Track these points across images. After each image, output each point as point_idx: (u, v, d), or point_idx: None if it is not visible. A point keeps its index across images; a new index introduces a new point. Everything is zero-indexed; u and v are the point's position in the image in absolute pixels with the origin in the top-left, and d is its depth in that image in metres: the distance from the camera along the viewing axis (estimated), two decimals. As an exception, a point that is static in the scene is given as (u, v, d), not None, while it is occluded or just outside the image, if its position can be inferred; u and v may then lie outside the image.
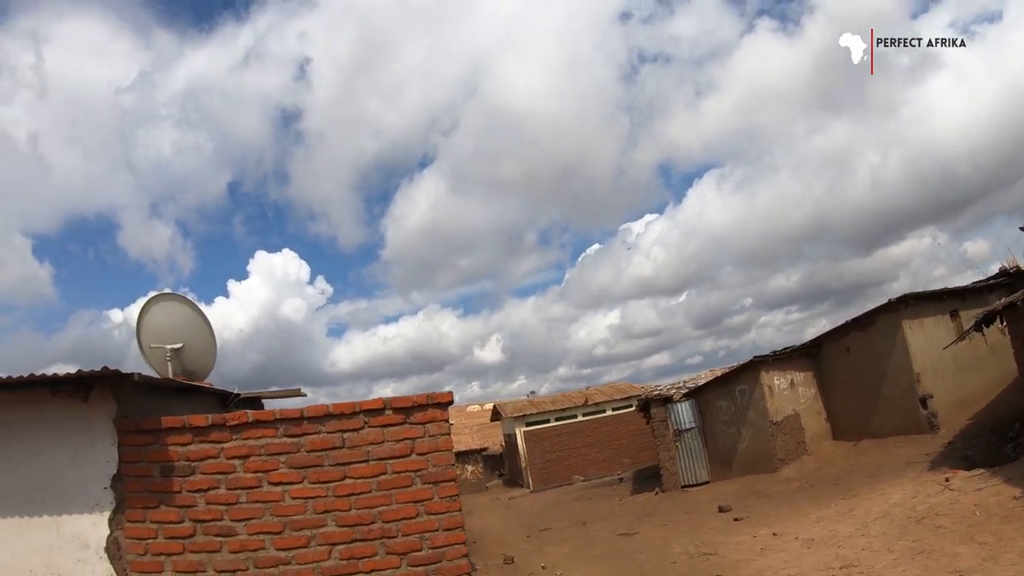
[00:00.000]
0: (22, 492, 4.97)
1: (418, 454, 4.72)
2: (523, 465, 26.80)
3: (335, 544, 4.61)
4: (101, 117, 75.47)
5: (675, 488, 15.75)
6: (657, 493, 15.80)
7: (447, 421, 4.80)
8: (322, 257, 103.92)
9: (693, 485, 15.64)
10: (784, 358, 14.65)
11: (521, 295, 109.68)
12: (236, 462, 4.68)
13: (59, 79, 71.87)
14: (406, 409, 4.74)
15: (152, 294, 5.64)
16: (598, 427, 26.80)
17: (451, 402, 4.81)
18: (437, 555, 4.66)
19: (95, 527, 4.80)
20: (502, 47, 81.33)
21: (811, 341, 15.07)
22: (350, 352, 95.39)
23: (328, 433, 4.69)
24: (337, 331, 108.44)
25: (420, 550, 4.65)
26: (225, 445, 4.69)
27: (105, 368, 4.50)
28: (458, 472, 4.80)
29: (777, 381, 14.29)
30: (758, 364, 14.29)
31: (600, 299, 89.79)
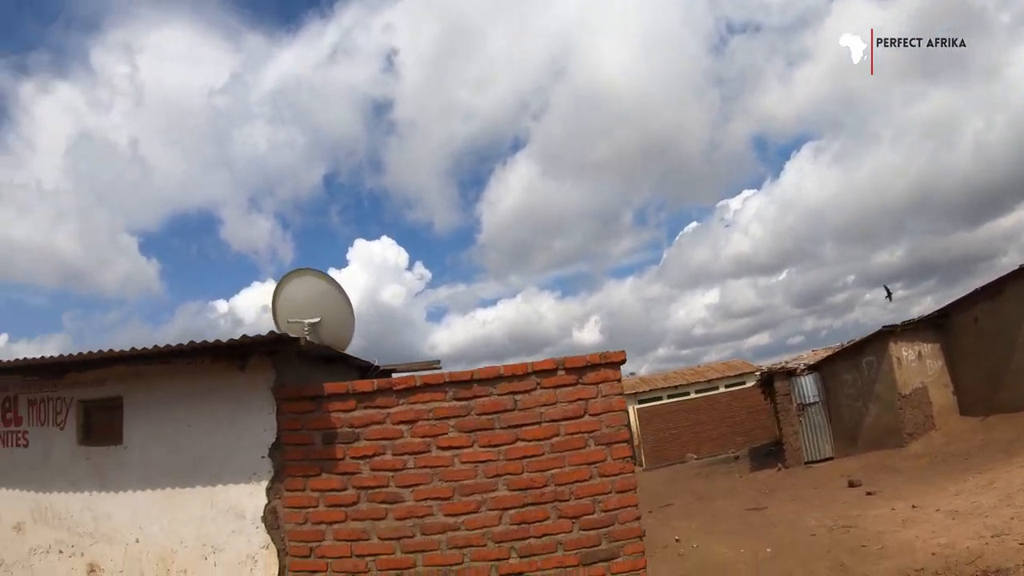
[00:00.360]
0: (174, 463, 4.83)
1: (591, 415, 4.48)
2: (636, 443, 26.11)
3: (506, 509, 4.40)
4: (197, 119, 77.73)
5: (798, 464, 15.24)
6: (779, 469, 15.32)
7: (619, 380, 4.56)
8: (420, 243, 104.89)
9: (816, 461, 15.12)
10: (912, 329, 14.01)
11: (619, 275, 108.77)
12: (403, 427, 4.45)
13: (154, 86, 74.46)
14: (579, 369, 4.49)
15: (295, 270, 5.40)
16: (711, 404, 26.25)
17: (624, 361, 4.57)
18: (610, 518, 4.45)
19: (251, 497, 4.62)
20: (587, 25, 79.34)
21: (938, 311, 14.34)
22: (450, 335, 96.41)
23: (499, 395, 4.46)
24: (436, 315, 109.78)
25: (592, 513, 4.43)
26: (391, 410, 4.46)
27: (272, 332, 4.25)
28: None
29: (905, 352, 13.71)
30: (886, 335, 13.71)
31: (698, 278, 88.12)
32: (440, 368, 5.43)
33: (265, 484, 4.59)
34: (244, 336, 4.32)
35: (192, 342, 4.40)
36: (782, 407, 16.02)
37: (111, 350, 4.65)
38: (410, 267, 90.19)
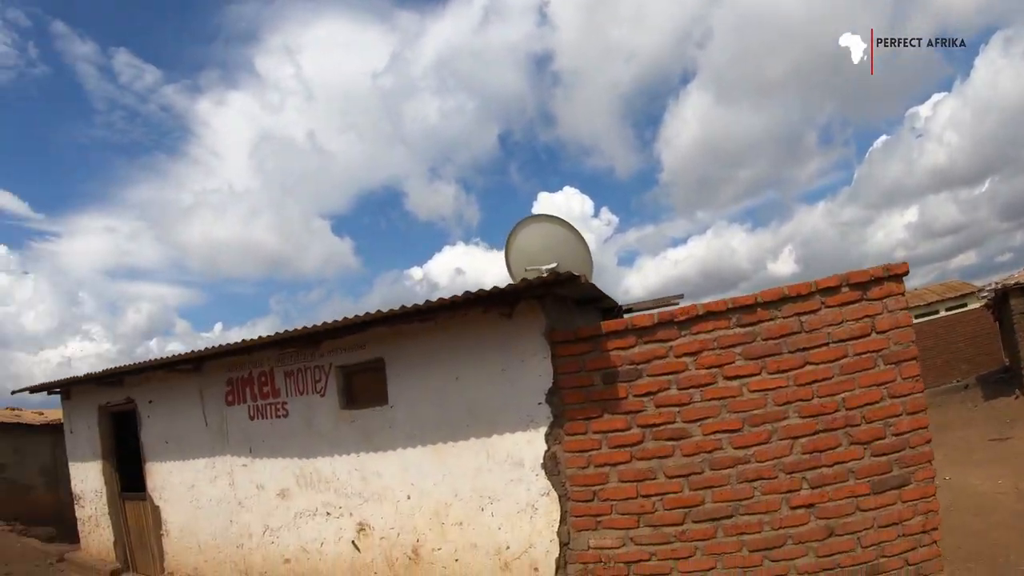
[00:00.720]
0: (444, 418, 4.84)
1: (878, 332, 4.24)
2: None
3: (797, 437, 4.18)
4: (366, 102, 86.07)
5: (1038, 391, 13.54)
6: (1017, 397, 13.94)
7: (903, 294, 4.33)
8: (603, 189, 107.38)
9: (1058, 387, 13.35)
10: None
11: (810, 200, 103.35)
12: (687, 359, 4.30)
13: (320, 79, 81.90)
14: (863, 284, 4.26)
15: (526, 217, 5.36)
16: (933, 329, 23.77)
17: (907, 272, 4.32)
18: (901, 442, 4.19)
19: (530, 444, 4.57)
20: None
21: None
22: (642, 278, 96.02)
23: (784, 318, 4.26)
24: (627, 259, 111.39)
25: (883, 438, 4.19)
26: (674, 343, 4.32)
27: (553, 272, 4.16)
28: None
29: None
30: None
31: (894, 196, 79.52)
32: (680, 302, 5.26)
33: (543, 430, 4.53)
34: (523, 279, 4.25)
35: (468, 292, 4.37)
36: (1019, 327, 14.33)
37: (379, 311, 4.68)
38: (596, 214, 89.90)
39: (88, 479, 7.66)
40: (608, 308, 5.44)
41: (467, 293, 4.38)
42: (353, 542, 5.23)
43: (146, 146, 68.16)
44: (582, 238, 5.25)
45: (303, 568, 5.60)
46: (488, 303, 4.52)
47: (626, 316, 5.01)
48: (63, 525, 9.71)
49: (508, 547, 4.65)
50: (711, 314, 4.31)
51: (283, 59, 77.18)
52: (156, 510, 6.73)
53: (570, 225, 5.23)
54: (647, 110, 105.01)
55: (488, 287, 4.37)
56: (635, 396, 4.36)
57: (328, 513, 5.37)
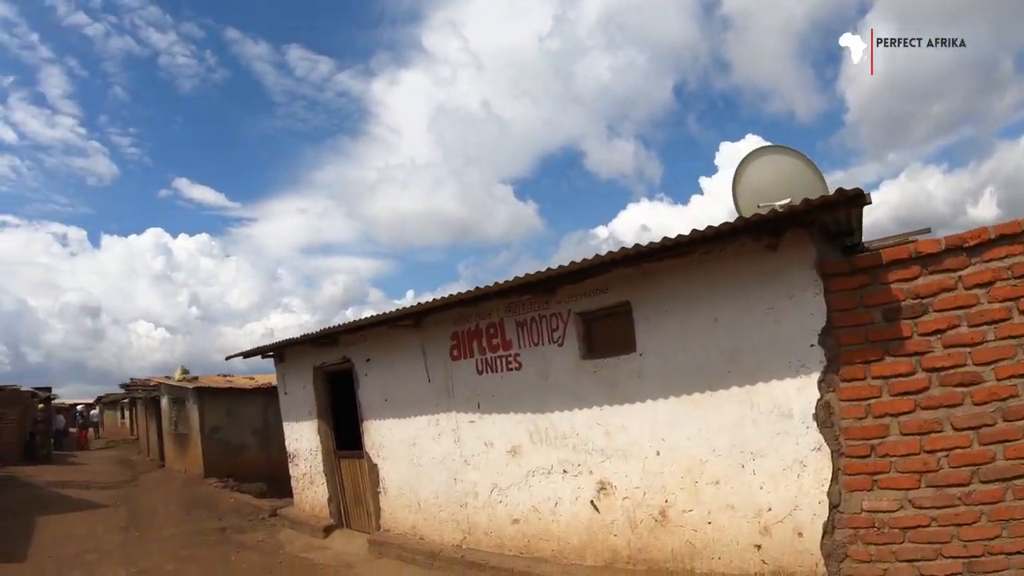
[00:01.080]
0: (701, 364, 4.58)
1: None
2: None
3: None
4: (536, 67, 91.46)
5: None
6: None
7: None
8: (785, 133, 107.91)
9: None
10: None
11: (1011, 135, 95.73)
12: (978, 291, 3.88)
13: (488, 50, 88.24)
14: None
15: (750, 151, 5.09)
16: None
17: None
18: None
19: (800, 392, 4.25)
20: None
21: None
22: None
23: (1080, 241, 3.82)
24: None
25: None
26: (962, 272, 3.91)
27: (840, 190, 3.76)
28: None
29: None
30: None
31: None
32: (929, 234, 4.84)
33: (816, 376, 4.18)
34: (806, 200, 3.88)
35: (740, 216, 4.09)
36: None
37: (636, 245, 4.45)
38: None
39: (303, 438, 7.96)
40: (850, 247, 5.07)
41: (739, 218, 4.12)
42: (592, 502, 5.08)
43: (328, 130, 74.46)
44: (817, 168, 4.90)
45: (533, 529, 5.49)
46: (756, 232, 4.23)
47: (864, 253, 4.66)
48: (273, 483, 10.35)
49: (770, 509, 4.34)
50: (1004, 238, 3.81)
51: (449, 34, 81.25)
52: (373, 468, 6.87)
53: (803, 155, 4.89)
54: (824, 47, 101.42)
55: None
56: (920, 335, 3.96)
57: (565, 471, 5.22)
